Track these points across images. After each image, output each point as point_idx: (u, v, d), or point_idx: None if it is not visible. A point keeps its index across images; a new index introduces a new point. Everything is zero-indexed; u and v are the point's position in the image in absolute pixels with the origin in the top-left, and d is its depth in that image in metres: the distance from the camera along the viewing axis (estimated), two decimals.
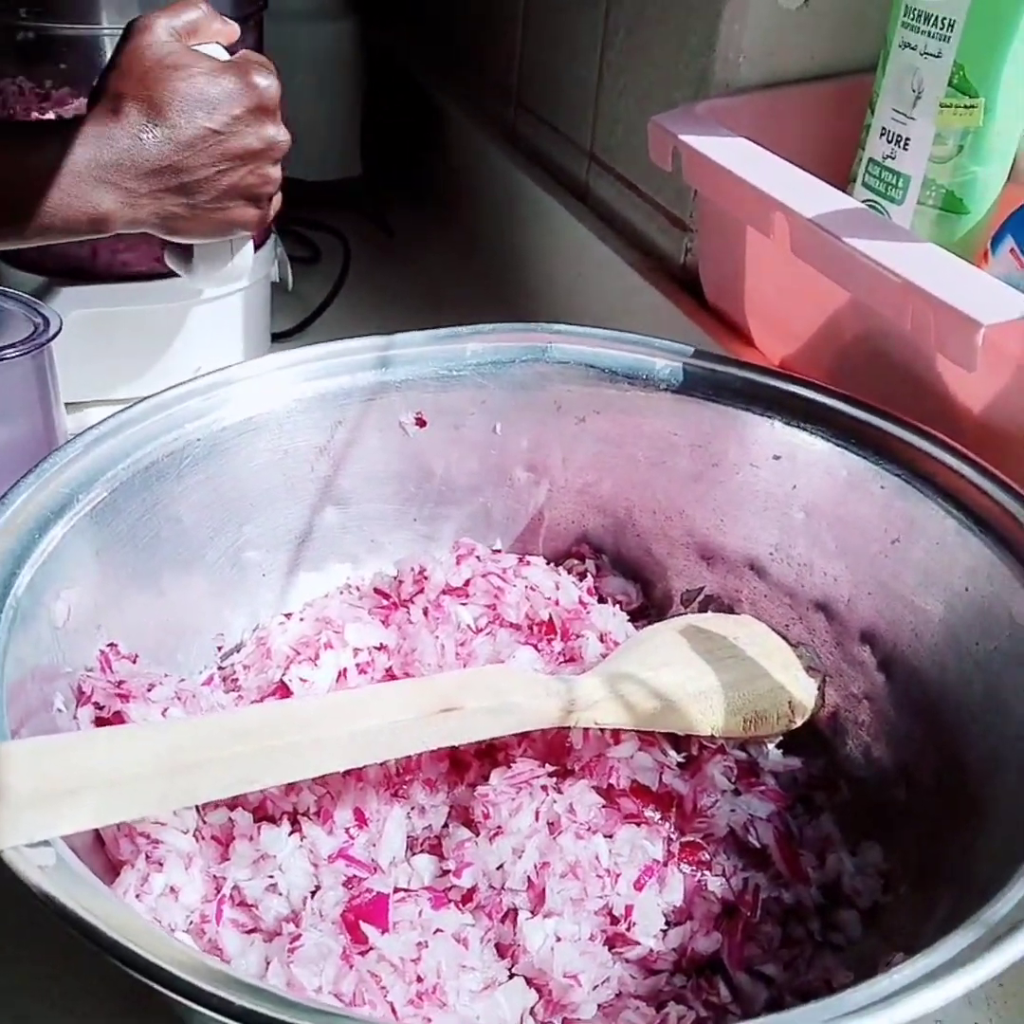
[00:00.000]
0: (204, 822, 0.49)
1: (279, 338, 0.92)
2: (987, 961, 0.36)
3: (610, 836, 0.50)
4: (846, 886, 0.50)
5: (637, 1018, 0.45)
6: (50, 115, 0.77)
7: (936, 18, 0.63)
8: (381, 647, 0.58)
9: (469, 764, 0.54)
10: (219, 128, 0.64)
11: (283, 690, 0.56)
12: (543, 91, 1.01)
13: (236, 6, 0.76)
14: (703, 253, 0.79)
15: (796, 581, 0.61)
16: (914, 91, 0.66)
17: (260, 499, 0.60)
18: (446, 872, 0.50)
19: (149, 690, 0.51)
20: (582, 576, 0.65)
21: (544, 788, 0.51)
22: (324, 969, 0.43)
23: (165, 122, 0.63)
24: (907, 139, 0.66)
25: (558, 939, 0.47)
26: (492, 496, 0.66)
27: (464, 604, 0.61)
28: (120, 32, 0.65)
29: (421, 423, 0.63)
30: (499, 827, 0.50)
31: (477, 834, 0.50)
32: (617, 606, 0.63)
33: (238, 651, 0.60)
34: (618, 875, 0.49)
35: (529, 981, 0.46)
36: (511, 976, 0.46)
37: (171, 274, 0.75)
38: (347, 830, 0.50)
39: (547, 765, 0.53)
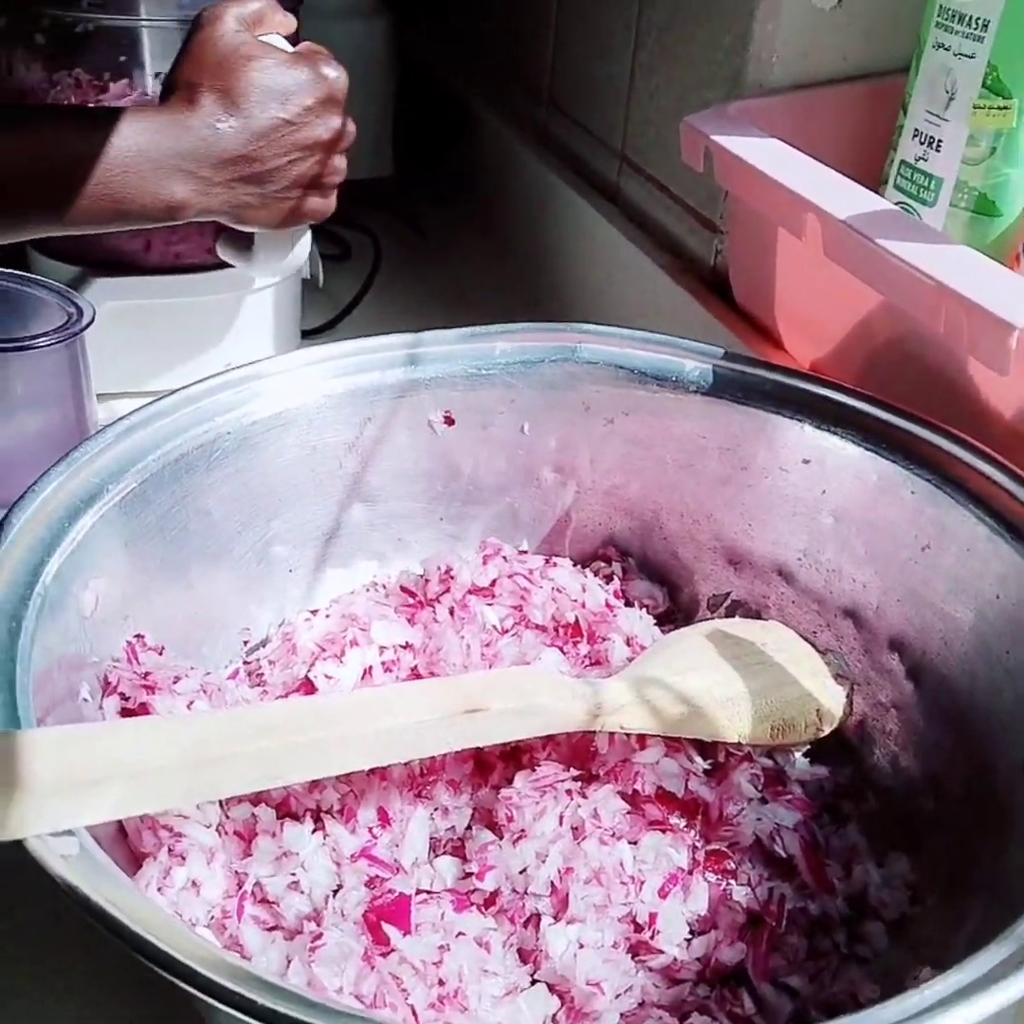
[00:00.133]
0: (227, 817, 0.49)
1: (309, 335, 0.92)
2: (1021, 977, 0.35)
3: (634, 842, 0.50)
4: (873, 897, 0.50)
5: None
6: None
7: (970, 18, 0.63)
8: (407, 646, 0.58)
9: (493, 766, 0.53)
10: (292, 118, 0.65)
11: (308, 686, 0.55)
12: (575, 91, 1.01)
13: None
14: (733, 255, 0.79)
15: (824, 587, 0.60)
16: (947, 92, 0.65)
17: (288, 494, 0.60)
18: (468, 875, 0.49)
19: (175, 682, 0.51)
20: (608, 579, 0.64)
21: (569, 792, 0.51)
22: (345, 970, 0.43)
23: (241, 112, 0.63)
24: (939, 141, 0.66)
25: (581, 946, 0.46)
26: (519, 496, 0.66)
27: (490, 604, 0.61)
28: (172, 24, 0.66)
29: (450, 421, 0.63)
30: (523, 831, 0.50)
31: (500, 837, 0.50)
32: (643, 610, 0.62)
33: (264, 646, 0.60)
34: (642, 882, 0.48)
35: (551, 988, 0.46)
36: (533, 982, 0.46)
37: (210, 267, 0.75)
38: (370, 829, 0.50)
39: (572, 769, 0.52)
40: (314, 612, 0.62)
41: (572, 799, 0.51)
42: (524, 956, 0.47)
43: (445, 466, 0.64)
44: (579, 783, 0.52)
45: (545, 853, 0.49)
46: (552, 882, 0.48)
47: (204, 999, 0.33)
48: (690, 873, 0.49)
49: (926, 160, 0.67)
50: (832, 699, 0.57)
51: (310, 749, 0.46)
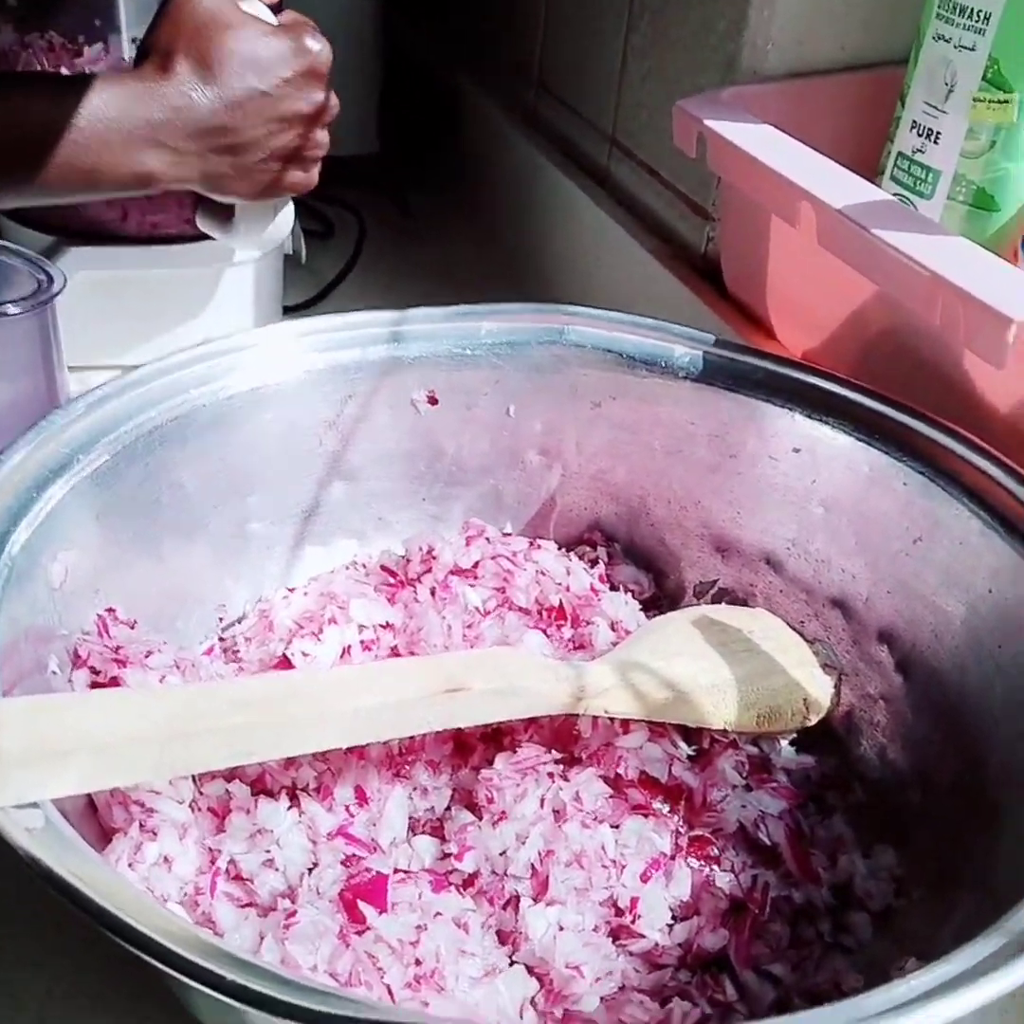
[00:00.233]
0: (201, 793, 0.48)
1: (291, 311, 0.91)
2: (1011, 971, 0.34)
3: (616, 826, 0.49)
4: (858, 888, 0.49)
5: (640, 1012, 0.43)
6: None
7: (972, 10, 0.62)
8: (387, 625, 0.57)
9: (474, 747, 0.53)
10: (270, 90, 0.63)
11: (285, 664, 0.55)
12: (565, 73, 1.00)
13: None
14: (725, 242, 0.78)
15: (813, 577, 0.60)
16: (947, 84, 0.64)
17: (266, 471, 0.59)
18: (447, 855, 0.49)
19: (147, 657, 0.50)
20: (593, 563, 0.64)
21: (550, 775, 0.50)
22: (319, 947, 0.42)
23: (216, 81, 0.62)
24: (938, 133, 0.65)
25: (561, 928, 0.46)
26: (503, 479, 0.65)
27: (472, 586, 0.60)
28: None
29: (433, 401, 0.62)
30: (503, 812, 0.49)
31: (480, 818, 0.49)
32: (629, 595, 0.62)
33: (240, 623, 0.59)
34: (624, 866, 0.48)
35: (530, 970, 0.45)
36: (512, 964, 0.45)
37: (188, 238, 0.74)
38: (347, 808, 0.49)
39: (554, 752, 0.52)
40: (292, 590, 0.61)
41: (554, 782, 0.50)
42: (503, 938, 0.46)
43: (428, 446, 0.63)
44: (561, 766, 0.51)
45: (525, 835, 0.48)
46: (532, 864, 0.47)
47: (170, 973, 0.32)
48: (672, 858, 0.49)
49: (924, 152, 0.66)
50: (819, 688, 0.56)
51: (286, 726, 0.45)
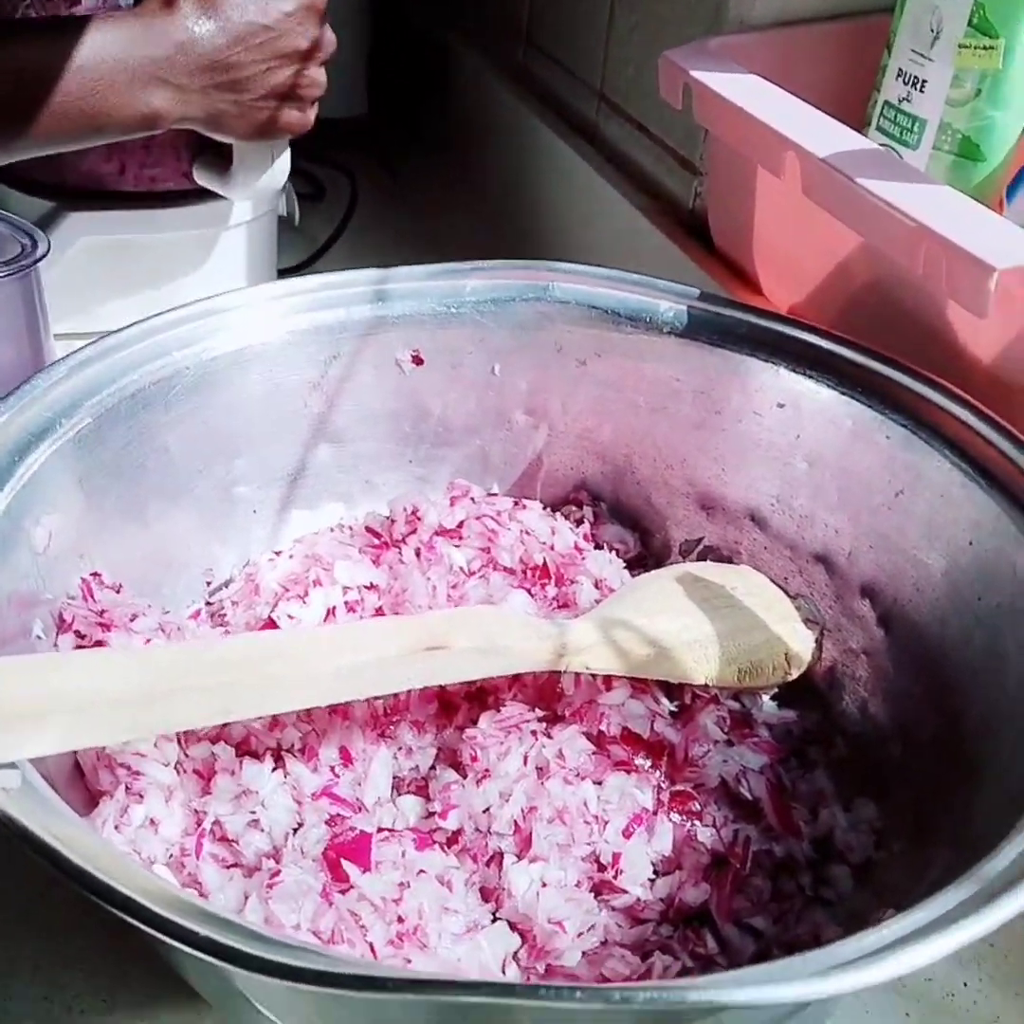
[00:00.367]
0: (186, 755, 0.48)
1: (285, 274, 0.90)
2: (980, 919, 0.34)
3: (599, 783, 0.49)
4: (838, 841, 0.50)
5: (622, 966, 0.44)
6: None
7: None
8: (371, 586, 0.57)
9: (458, 707, 0.53)
10: (271, 24, 0.64)
11: (271, 626, 0.54)
12: (553, 29, 0.99)
13: None
14: (712, 196, 0.77)
15: (797, 533, 0.59)
16: (932, 31, 0.63)
17: (251, 433, 0.59)
18: (432, 814, 0.49)
19: (132, 620, 0.50)
20: (579, 523, 0.64)
21: (534, 733, 0.51)
22: (303, 906, 0.42)
23: (219, 15, 0.62)
24: (924, 81, 0.64)
25: (544, 884, 0.46)
26: (490, 439, 0.65)
27: (457, 546, 0.60)
28: None
29: (418, 361, 0.62)
30: (487, 770, 0.49)
31: (464, 777, 0.50)
32: (613, 553, 0.62)
33: (227, 587, 0.59)
34: (606, 822, 0.48)
35: (513, 926, 0.46)
36: (494, 920, 0.46)
37: (186, 194, 0.73)
38: (332, 768, 0.50)
39: (537, 710, 0.52)
40: (278, 553, 0.61)
41: (537, 739, 0.50)
42: (486, 895, 0.47)
43: (413, 406, 0.63)
44: (544, 724, 0.51)
45: (509, 792, 0.48)
46: (515, 821, 0.48)
47: (144, 929, 0.32)
48: (654, 814, 0.49)
49: (909, 101, 0.66)
50: (801, 643, 0.56)
51: (268, 685, 0.45)
